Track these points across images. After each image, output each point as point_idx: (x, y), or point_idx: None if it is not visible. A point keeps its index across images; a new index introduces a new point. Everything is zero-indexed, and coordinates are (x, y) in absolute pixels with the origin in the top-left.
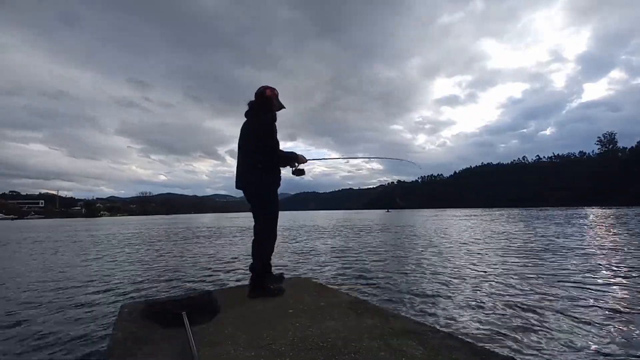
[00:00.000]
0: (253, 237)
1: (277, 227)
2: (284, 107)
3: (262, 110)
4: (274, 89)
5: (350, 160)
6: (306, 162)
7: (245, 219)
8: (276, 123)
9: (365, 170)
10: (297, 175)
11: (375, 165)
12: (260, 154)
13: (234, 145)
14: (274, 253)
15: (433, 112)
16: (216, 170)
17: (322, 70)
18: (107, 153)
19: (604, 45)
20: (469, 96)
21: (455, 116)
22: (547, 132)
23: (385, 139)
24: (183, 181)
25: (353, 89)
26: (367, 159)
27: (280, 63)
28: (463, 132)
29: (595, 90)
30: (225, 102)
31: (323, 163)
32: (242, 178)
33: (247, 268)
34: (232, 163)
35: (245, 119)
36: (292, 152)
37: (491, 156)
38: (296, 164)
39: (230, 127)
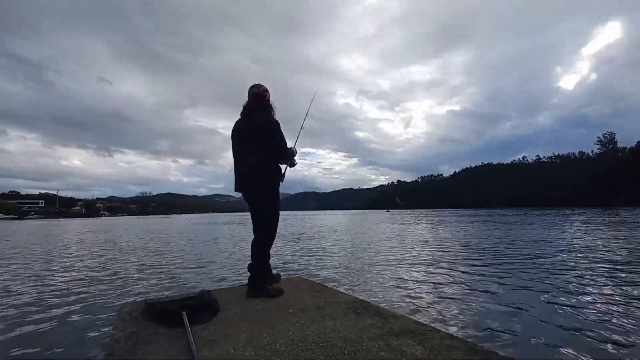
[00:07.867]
0: (253, 237)
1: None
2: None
3: (264, 109)
4: (268, 90)
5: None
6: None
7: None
8: None
9: (342, 166)
10: (290, 167)
11: (348, 160)
12: (270, 151)
13: None
14: (274, 253)
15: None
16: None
17: None
18: None
19: None
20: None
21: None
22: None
23: (331, 110)
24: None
25: None
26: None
27: None
28: (432, 111)
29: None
30: None
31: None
32: (249, 177)
33: (247, 267)
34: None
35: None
36: (290, 148)
37: (487, 135)
38: (293, 159)
39: None
